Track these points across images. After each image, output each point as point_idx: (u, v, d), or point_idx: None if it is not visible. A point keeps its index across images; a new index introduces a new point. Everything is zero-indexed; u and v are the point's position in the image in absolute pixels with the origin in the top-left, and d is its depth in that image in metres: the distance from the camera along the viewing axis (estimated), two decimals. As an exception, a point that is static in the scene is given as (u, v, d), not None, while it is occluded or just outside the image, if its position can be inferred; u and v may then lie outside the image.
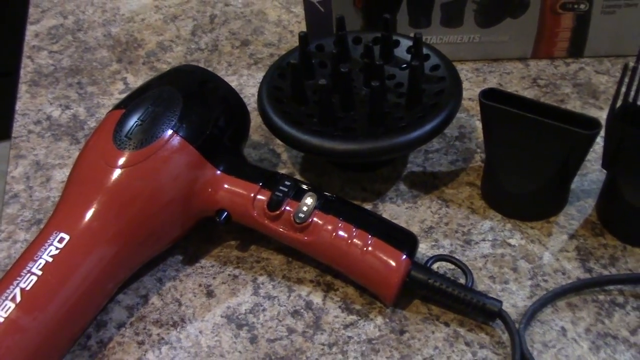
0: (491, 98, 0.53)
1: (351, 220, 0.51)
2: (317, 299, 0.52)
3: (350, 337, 0.50)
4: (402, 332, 0.50)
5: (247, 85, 0.73)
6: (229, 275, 0.55)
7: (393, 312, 0.51)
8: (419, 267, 0.50)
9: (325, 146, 0.54)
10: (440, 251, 0.55)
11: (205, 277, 0.55)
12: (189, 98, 0.54)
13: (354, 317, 0.51)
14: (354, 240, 0.50)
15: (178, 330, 0.51)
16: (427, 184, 0.61)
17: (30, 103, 0.73)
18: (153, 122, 0.51)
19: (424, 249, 0.55)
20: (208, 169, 0.53)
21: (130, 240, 0.50)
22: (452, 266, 0.52)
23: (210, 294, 0.53)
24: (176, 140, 0.51)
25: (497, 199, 0.58)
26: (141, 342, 0.51)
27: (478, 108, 0.55)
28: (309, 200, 0.52)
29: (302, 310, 0.52)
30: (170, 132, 0.51)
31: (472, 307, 0.49)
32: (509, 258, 0.54)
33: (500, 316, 0.48)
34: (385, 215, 0.58)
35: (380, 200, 0.59)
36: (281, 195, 0.52)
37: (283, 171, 0.63)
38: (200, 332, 0.51)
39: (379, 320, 0.51)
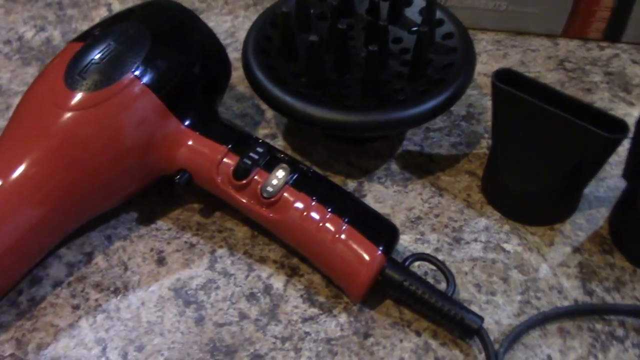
0: (506, 80, 0.45)
1: (326, 202, 0.44)
2: (278, 283, 0.46)
3: (307, 333, 0.44)
4: (366, 336, 0.44)
5: (242, 28, 0.65)
6: (185, 242, 0.49)
7: (360, 311, 0.45)
8: (395, 265, 0.44)
9: (307, 112, 0.47)
10: (425, 247, 0.48)
11: (159, 241, 0.49)
12: (159, 38, 0.46)
13: (315, 311, 0.45)
14: (326, 225, 0.44)
15: (119, 298, 0.45)
16: (422, 166, 0.54)
17: (2, 19, 0.66)
18: (112, 62, 0.44)
19: (406, 242, 0.49)
20: (171, 121, 0.46)
21: (73, 193, 0.44)
22: (434, 267, 0.46)
23: (161, 261, 0.48)
24: (137, 86, 0.44)
25: (497, 195, 0.51)
26: (76, 306, 0.45)
27: (491, 89, 0.47)
28: (280, 173, 0.45)
29: (259, 294, 0.46)
30: (131, 76, 0.44)
31: (448, 320, 0.42)
32: (500, 265, 0.47)
33: (479, 334, 0.42)
34: (369, 197, 0.51)
35: (367, 178, 0.53)
36: (250, 163, 0.45)
37: (265, 132, 0.56)
38: (143, 303, 0.45)
39: (343, 317, 0.45)
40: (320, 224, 0.44)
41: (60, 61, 0.45)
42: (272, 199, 0.44)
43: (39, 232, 0.44)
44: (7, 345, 0.43)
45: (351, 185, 0.52)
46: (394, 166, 0.54)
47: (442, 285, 0.46)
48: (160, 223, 0.50)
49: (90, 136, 0.44)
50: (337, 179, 0.52)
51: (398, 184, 0.52)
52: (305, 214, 0.44)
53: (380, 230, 0.44)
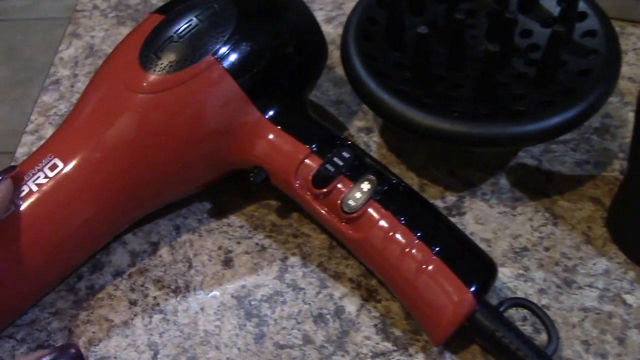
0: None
1: (415, 225, 0.38)
2: (351, 306, 0.41)
3: (375, 372, 0.38)
4: (443, 385, 0.38)
5: (346, 4, 0.58)
6: (256, 244, 0.44)
7: (440, 354, 0.39)
8: (488, 309, 0.37)
9: (404, 114, 0.40)
10: (528, 286, 0.41)
11: (229, 238, 0.44)
12: (246, 17, 0.41)
13: (389, 346, 0.39)
14: (411, 252, 0.37)
15: (178, 299, 0.42)
16: (538, 186, 0.45)
17: (104, -28, 0.63)
18: (192, 41, 0.39)
19: (506, 276, 0.41)
20: (251, 111, 0.41)
21: (139, 181, 0.40)
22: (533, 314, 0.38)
23: (228, 262, 0.43)
24: (216, 70, 0.39)
25: (626, 233, 0.42)
26: (134, 302, 0.42)
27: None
28: (366, 186, 0.39)
29: (328, 317, 0.41)
30: (210, 58, 0.39)
31: None
32: (617, 321, 0.39)
33: (580, 410, 0.35)
34: (469, 216, 0.44)
35: (469, 192, 0.45)
36: (333, 170, 0.39)
37: (360, 124, 0.49)
38: (202, 308, 0.41)
39: (419, 359, 0.39)
40: (405, 250, 0.37)
41: (138, 36, 0.41)
42: (354, 215, 0.39)
43: (102, 220, 0.41)
44: (59, 335, 0.41)
45: (450, 198, 0.45)
46: (504, 181, 0.46)
47: (542, 337, 0.38)
48: (232, 218, 0.45)
49: (159, 122, 0.39)
50: (434, 190, 0.46)
51: (505, 203, 0.45)
52: (389, 236, 0.38)
53: (475, 266, 0.38)
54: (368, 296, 0.41)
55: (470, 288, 0.36)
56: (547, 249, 0.42)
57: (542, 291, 0.41)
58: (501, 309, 0.38)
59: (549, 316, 0.37)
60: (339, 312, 0.41)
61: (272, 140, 0.41)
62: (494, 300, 0.40)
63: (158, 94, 0.39)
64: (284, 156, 0.41)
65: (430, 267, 0.37)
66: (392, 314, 0.40)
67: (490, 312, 0.37)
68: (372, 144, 0.48)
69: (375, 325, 0.40)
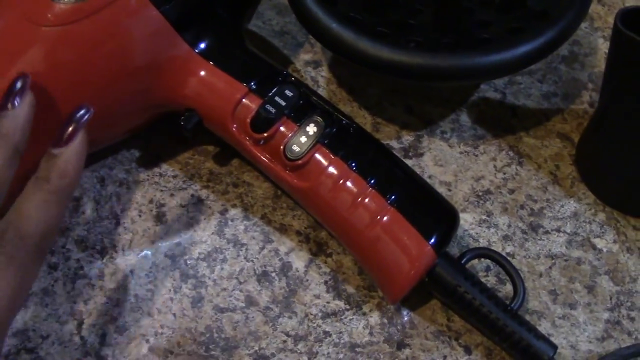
0: (636, 23, 0.32)
1: (367, 171, 0.33)
2: (298, 262, 0.37)
3: (327, 334, 0.34)
4: (401, 345, 0.34)
5: None
6: (192, 196, 0.39)
7: (397, 311, 0.35)
8: (449, 263, 0.33)
9: (353, 45, 0.35)
10: (492, 233, 0.37)
11: (161, 190, 0.39)
12: None
13: (340, 304, 0.35)
14: (364, 202, 0.33)
15: (105, 260, 0.37)
16: (502, 121, 0.41)
17: None
18: (100, -38, 0.33)
19: (468, 222, 0.38)
20: (179, 45, 0.35)
21: (54, 127, 0.34)
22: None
23: (160, 217, 0.38)
24: (132, -4, 0.33)
25: (596, 171, 0.38)
26: (53, 266, 0.37)
27: (609, 20, 0.34)
28: (312, 128, 0.34)
29: (273, 275, 0.36)
30: (124, -19, 0.33)
31: (510, 343, 0.32)
32: (587, 268, 0.36)
33: (549, 368, 0.32)
34: (428, 157, 0.40)
35: (427, 131, 0.41)
36: (274, 111, 0.34)
37: (307, 57, 0.44)
38: (132, 271, 0.36)
39: (375, 317, 0.35)
40: (357, 200, 0.33)
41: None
42: (298, 161, 0.34)
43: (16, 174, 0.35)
44: (-31, 307, 0.35)
45: (407, 138, 0.41)
46: (465, 118, 0.41)
47: (508, 288, 0.35)
48: (165, 167, 0.40)
49: (71, 59, 0.33)
50: (389, 129, 0.41)
51: (467, 142, 0.40)
52: (338, 184, 0.33)
53: (434, 216, 0.33)
54: (317, 250, 0.37)
55: (429, 240, 0.32)
56: (511, 191, 0.39)
57: (506, 238, 0.37)
58: (463, 261, 0.34)
59: (515, 267, 0.34)
60: (285, 269, 0.36)
61: (204, 78, 0.36)
62: (454, 251, 0.36)
63: (66, 26, 0.32)
64: (218, 96, 0.36)
65: (385, 218, 0.33)
66: (343, 269, 0.36)
67: (451, 266, 0.33)
68: (320, 79, 0.43)
69: (326, 283, 0.36)
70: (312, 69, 0.43)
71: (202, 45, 0.36)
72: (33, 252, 0.25)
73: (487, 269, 0.36)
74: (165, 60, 0.35)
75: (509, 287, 0.35)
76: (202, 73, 0.36)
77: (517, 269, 0.34)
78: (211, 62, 0.36)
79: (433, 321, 0.35)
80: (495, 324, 0.32)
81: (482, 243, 0.37)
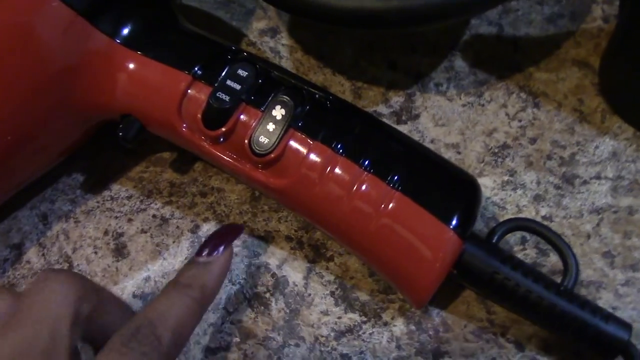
0: None
1: (358, 152, 0.26)
2: (295, 274, 0.30)
3: (346, 357, 0.28)
4: (437, 355, 0.27)
5: None
6: (153, 217, 0.32)
7: (425, 313, 0.28)
8: (479, 246, 0.26)
9: None
10: (519, 195, 0.30)
11: (116, 217, 0.32)
12: None
13: (355, 317, 0.29)
14: (361, 189, 0.26)
15: (63, 315, 0.30)
16: (504, 59, 0.34)
17: None
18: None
19: (488, 188, 0.31)
20: (94, 37, 0.28)
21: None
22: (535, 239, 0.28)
23: (120, 251, 0.31)
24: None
25: (630, 99, 0.31)
26: (3, 333, 0.30)
27: None
28: (279, 111, 0.27)
29: (268, 295, 0.29)
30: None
31: (574, 332, 0.25)
32: (643, 218, 0.29)
33: (626, 353, 0.25)
34: (425, 118, 0.33)
35: (419, 87, 0.34)
36: (229, 98, 0.27)
37: (261, 25, 0.36)
38: (98, 322, 0.29)
39: (399, 326, 0.28)
40: (352, 189, 0.26)
41: None
42: (270, 155, 0.27)
43: None
44: None
45: (396, 100, 0.33)
46: (460, 63, 0.34)
47: (552, 259, 0.28)
48: (116, 188, 0.33)
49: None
50: (374, 93, 0.34)
51: (468, 92, 0.33)
52: (325, 175, 0.26)
53: (450, 192, 0.26)
54: (315, 255, 0.30)
55: (449, 223, 0.25)
56: (533, 141, 0.32)
57: (538, 198, 0.30)
58: (494, 239, 0.27)
59: (558, 235, 0.27)
60: (280, 286, 0.30)
61: (134, 73, 0.28)
62: (480, 227, 0.29)
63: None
64: (156, 92, 0.28)
65: (390, 206, 0.26)
66: (351, 273, 0.30)
67: (482, 249, 0.26)
68: (282, 48, 0.35)
69: (333, 294, 0.29)
70: (270, 38, 0.36)
71: (125, 33, 0.28)
72: (165, 355, 0.23)
73: (523, 240, 0.29)
74: (82, 59, 0.28)
75: (553, 258, 0.28)
76: (131, 66, 0.28)
77: (561, 236, 0.27)
78: (139, 52, 0.28)
79: (470, 317, 0.28)
80: (550, 312, 0.25)
81: (511, 210, 0.30)
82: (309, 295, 0.29)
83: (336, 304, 0.29)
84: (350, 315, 0.28)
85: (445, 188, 0.26)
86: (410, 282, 0.26)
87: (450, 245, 0.25)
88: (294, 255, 0.30)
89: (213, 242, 0.26)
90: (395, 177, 0.26)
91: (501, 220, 0.29)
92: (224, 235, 0.26)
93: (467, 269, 0.26)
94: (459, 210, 0.26)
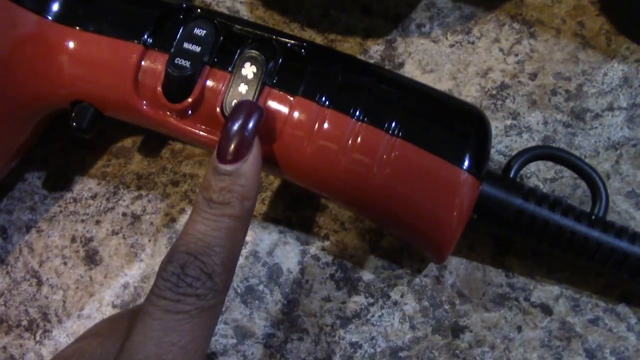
0: None
1: (346, 100, 0.23)
2: (288, 260, 0.26)
3: (356, 345, 0.24)
4: (457, 331, 0.24)
5: None
6: (123, 215, 0.28)
7: (437, 284, 0.25)
8: (498, 183, 0.23)
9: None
10: (525, 139, 0.27)
11: (82, 221, 0.28)
12: None
13: (361, 300, 0.25)
14: (357, 142, 0.22)
15: (37, 338, 0.26)
16: (490, -12, 0.30)
17: None
18: None
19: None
20: (23, 18, 0.24)
21: None
22: (552, 172, 0.24)
23: (91, 257, 0.27)
24: None
25: (635, 15, 0.27)
26: (-25, 366, 0.26)
27: None
28: (249, 70, 0.23)
29: (261, 287, 0.26)
30: None
31: (612, 262, 0.22)
32: (667, 148, 0.26)
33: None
34: (410, 65, 0.29)
35: (399, 32, 0.29)
36: (188, 64, 0.23)
37: (214, -17, 0.32)
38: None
39: (411, 303, 0.25)
40: (348, 144, 0.22)
41: None
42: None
43: None
44: None
45: (376, 48, 0.29)
46: (442, -2, 0.30)
47: (576, 193, 0.25)
48: (78, 188, 0.29)
49: None
50: (349, 44, 0.29)
51: (455, 30, 0.29)
52: (314, 132, 0.22)
53: (456, 129, 0.23)
54: (307, 236, 0.26)
55: (461, 164, 0.22)
56: (533, 76, 0.28)
57: (547, 139, 0.27)
58: (512, 174, 0.23)
59: (580, 158, 0.24)
60: (274, 275, 0.26)
61: (76, 51, 0.24)
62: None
63: None
64: (105, 70, 0.24)
65: (393, 155, 0.22)
66: (350, 251, 0.26)
67: (502, 187, 0.23)
68: (240, 6, 0.31)
69: (332, 277, 0.26)
70: (226, -4, 0.31)
71: (55, 8, 0.24)
72: (221, 292, 0.19)
73: (533, 173, 0.26)
74: (13, 47, 0.24)
75: (577, 192, 0.25)
76: (71, 45, 0.24)
77: (582, 159, 0.23)
78: (76, 27, 0.24)
79: (488, 284, 0.25)
80: (585, 245, 0.22)
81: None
82: (307, 281, 0.26)
83: (338, 288, 0.25)
84: (355, 298, 0.25)
85: (450, 126, 0.23)
86: (428, 235, 0.22)
87: (466, 188, 0.22)
88: (284, 239, 0.26)
89: (235, 138, 0.20)
90: (393, 123, 0.22)
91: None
92: (244, 125, 0.21)
93: (489, 212, 0.23)
94: (469, 149, 0.22)
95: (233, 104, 0.23)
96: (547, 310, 0.24)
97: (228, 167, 0.20)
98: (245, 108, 0.21)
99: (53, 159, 0.29)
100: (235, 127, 0.21)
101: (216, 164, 0.20)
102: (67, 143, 0.29)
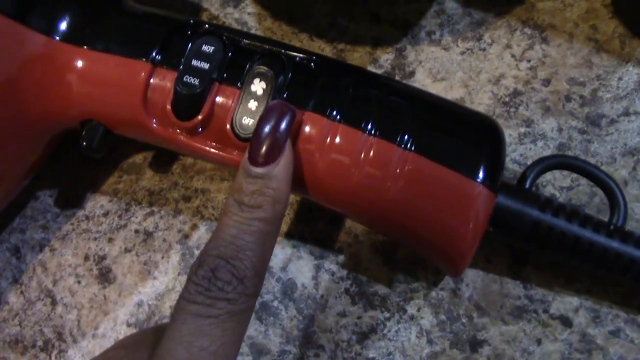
0: None
1: (357, 114, 0.22)
2: (303, 275, 0.26)
3: (372, 362, 0.24)
4: (475, 345, 0.24)
5: None
6: (136, 232, 0.28)
7: (453, 297, 0.24)
8: (513, 195, 0.23)
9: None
10: (540, 146, 0.26)
11: (95, 239, 0.28)
12: None
13: (377, 315, 0.25)
14: (369, 156, 0.22)
15: (53, 358, 0.26)
16: (501, -7, 0.29)
17: None
18: None
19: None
20: (30, 38, 0.24)
21: None
22: (568, 181, 0.24)
23: (105, 276, 0.27)
24: None
25: (651, 17, 0.27)
26: (-9, 387, 0.26)
27: None
28: (258, 86, 0.23)
29: (276, 303, 0.26)
30: None
31: (633, 273, 0.22)
32: (685, 153, 0.25)
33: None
34: (421, 74, 0.28)
35: (409, 39, 0.29)
36: (197, 82, 0.23)
37: (221, -5, 0.31)
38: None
39: (428, 318, 0.24)
40: (360, 158, 0.22)
41: None
42: (255, 144, 0.22)
43: None
44: None
45: (385, 57, 0.29)
46: (452, 5, 0.29)
47: (594, 201, 0.24)
48: (90, 206, 0.28)
49: None
50: (359, 54, 0.29)
51: (465, 36, 0.28)
52: (325, 148, 0.22)
53: (469, 140, 0.22)
54: (321, 250, 0.26)
55: (476, 177, 0.21)
56: (547, 82, 0.27)
57: (563, 147, 0.26)
58: (527, 184, 0.23)
59: (596, 166, 0.23)
60: (288, 290, 0.26)
61: (84, 71, 0.24)
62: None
63: None
64: (113, 88, 0.24)
65: (406, 169, 0.21)
66: (364, 264, 0.26)
67: (517, 198, 0.22)
68: (248, 18, 0.31)
69: (347, 291, 0.25)
70: (233, 8, 0.31)
71: (63, 27, 0.24)
72: (252, 296, 0.19)
73: (549, 182, 0.25)
74: (22, 67, 0.23)
75: (594, 200, 0.24)
76: (80, 65, 0.24)
77: (598, 166, 0.23)
78: (84, 46, 0.24)
79: (506, 296, 0.24)
80: (604, 256, 0.22)
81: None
82: (322, 296, 0.25)
83: (353, 303, 0.25)
84: (371, 313, 0.25)
85: (463, 138, 0.22)
86: (444, 249, 0.22)
87: (482, 200, 0.21)
88: (298, 254, 0.26)
89: (266, 140, 0.20)
90: (406, 136, 0.22)
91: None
92: (276, 127, 0.20)
93: (505, 224, 0.22)
94: (484, 161, 0.22)
95: (243, 120, 0.22)
96: (566, 322, 0.24)
97: (260, 170, 0.20)
98: (277, 109, 0.20)
99: (64, 177, 0.29)
100: (267, 128, 0.20)
101: (248, 166, 0.20)
102: (77, 160, 0.29)
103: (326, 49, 0.29)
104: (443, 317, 0.24)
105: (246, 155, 0.20)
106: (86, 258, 0.27)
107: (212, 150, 0.24)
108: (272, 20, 0.30)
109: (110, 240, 0.28)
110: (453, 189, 0.21)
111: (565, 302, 0.24)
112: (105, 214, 0.28)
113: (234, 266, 0.19)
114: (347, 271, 0.25)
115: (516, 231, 0.22)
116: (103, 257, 0.27)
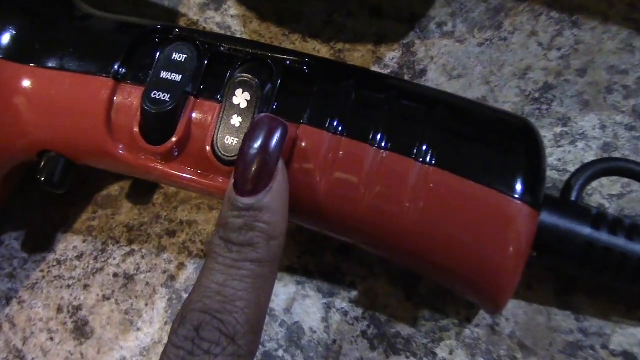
0: None
1: (362, 127, 0.18)
2: (310, 318, 0.22)
3: (400, 420, 0.20)
4: (523, 394, 0.20)
5: None
6: (115, 276, 0.24)
7: (491, 334, 0.20)
8: (559, 211, 0.19)
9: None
10: (580, 148, 0.22)
11: (69, 286, 0.24)
12: None
13: (401, 361, 0.21)
14: (382, 175, 0.18)
15: None
16: (519, -27, 0.25)
17: None
18: None
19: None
20: None
21: None
22: (619, 187, 0.20)
23: (81, 328, 0.23)
24: None
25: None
26: None
27: None
28: (241, 98, 0.19)
29: (281, 353, 0.22)
30: None
31: None
32: None
33: None
34: (433, 72, 0.24)
35: (417, 34, 0.25)
36: (169, 97, 0.19)
37: (200, -2, 0.28)
38: None
39: (461, 357, 0.20)
40: (370, 179, 0.18)
41: None
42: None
43: None
44: None
45: (391, 56, 0.25)
46: (463, -10, 0.25)
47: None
48: (61, 248, 0.25)
49: None
50: (360, 53, 0.25)
51: (483, 26, 0.25)
52: (327, 168, 0.18)
53: (502, 149, 0.18)
54: (330, 286, 0.22)
55: (513, 192, 0.17)
56: (582, 72, 0.23)
57: (607, 147, 0.22)
58: (573, 196, 0.19)
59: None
60: (295, 337, 0.22)
61: (34, 92, 0.20)
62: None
63: None
64: (70, 112, 0.20)
65: (428, 186, 0.18)
66: (382, 300, 0.22)
67: (564, 215, 0.18)
68: (231, 22, 0.27)
69: (365, 334, 0.21)
70: (215, 11, 0.27)
71: (5, 43, 0.20)
72: (246, 357, 0.15)
73: (595, 190, 0.21)
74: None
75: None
76: (28, 86, 0.20)
77: None
78: (31, 64, 0.20)
79: (555, 330, 0.20)
80: None
81: (571, 170, 0.22)
82: (334, 342, 0.21)
83: (372, 348, 0.21)
84: (395, 359, 0.21)
85: (493, 145, 0.18)
86: (479, 282, 0.18)
87: (522, 220, 0.17)
88: (303, 292, 0.22)
89: (254, 162, 0.16)
90: (424, 147, 0.18)
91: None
92: (265, 146, 0.16)
93: (551, 247, 0.18)
94: (521, 171, 0.18)
95: (226, 140, 0.19)
96: (631, 358, 0.19)
97: (247, 201, 0.16)
98: (265, 124, 0.17)
99: (31, 216, 0.25)
100: (254, 149, 0.16)
101: (233, 196, 0.16)
102: (45, 196, 0.25)
103: (322, 50, 0.25)
104: (480, 358, 0.20)
105: (231, 182, 0.17)
106: (59, 310, 0.24)
107: (192, 177, 0.20)
108: (259, 22, 0.26)
109: (85, 287, 0.24)
110: (486, 207, 0.18)
111: (627, 335, 0.20)
112: (79, 257, 0.24)
113: (222, 321, 0.15)
114: (363, 309, 0.22)
115: (566, 255, 0.18)
116: (78, 308, 0.24)
